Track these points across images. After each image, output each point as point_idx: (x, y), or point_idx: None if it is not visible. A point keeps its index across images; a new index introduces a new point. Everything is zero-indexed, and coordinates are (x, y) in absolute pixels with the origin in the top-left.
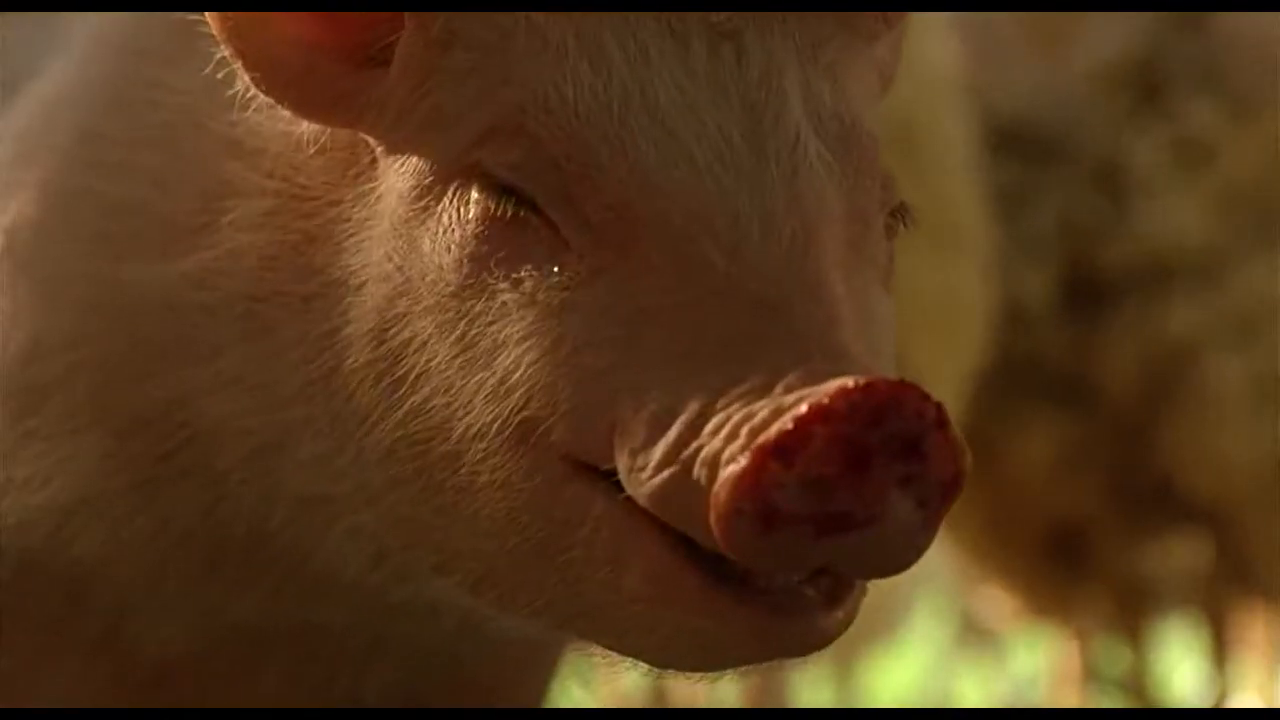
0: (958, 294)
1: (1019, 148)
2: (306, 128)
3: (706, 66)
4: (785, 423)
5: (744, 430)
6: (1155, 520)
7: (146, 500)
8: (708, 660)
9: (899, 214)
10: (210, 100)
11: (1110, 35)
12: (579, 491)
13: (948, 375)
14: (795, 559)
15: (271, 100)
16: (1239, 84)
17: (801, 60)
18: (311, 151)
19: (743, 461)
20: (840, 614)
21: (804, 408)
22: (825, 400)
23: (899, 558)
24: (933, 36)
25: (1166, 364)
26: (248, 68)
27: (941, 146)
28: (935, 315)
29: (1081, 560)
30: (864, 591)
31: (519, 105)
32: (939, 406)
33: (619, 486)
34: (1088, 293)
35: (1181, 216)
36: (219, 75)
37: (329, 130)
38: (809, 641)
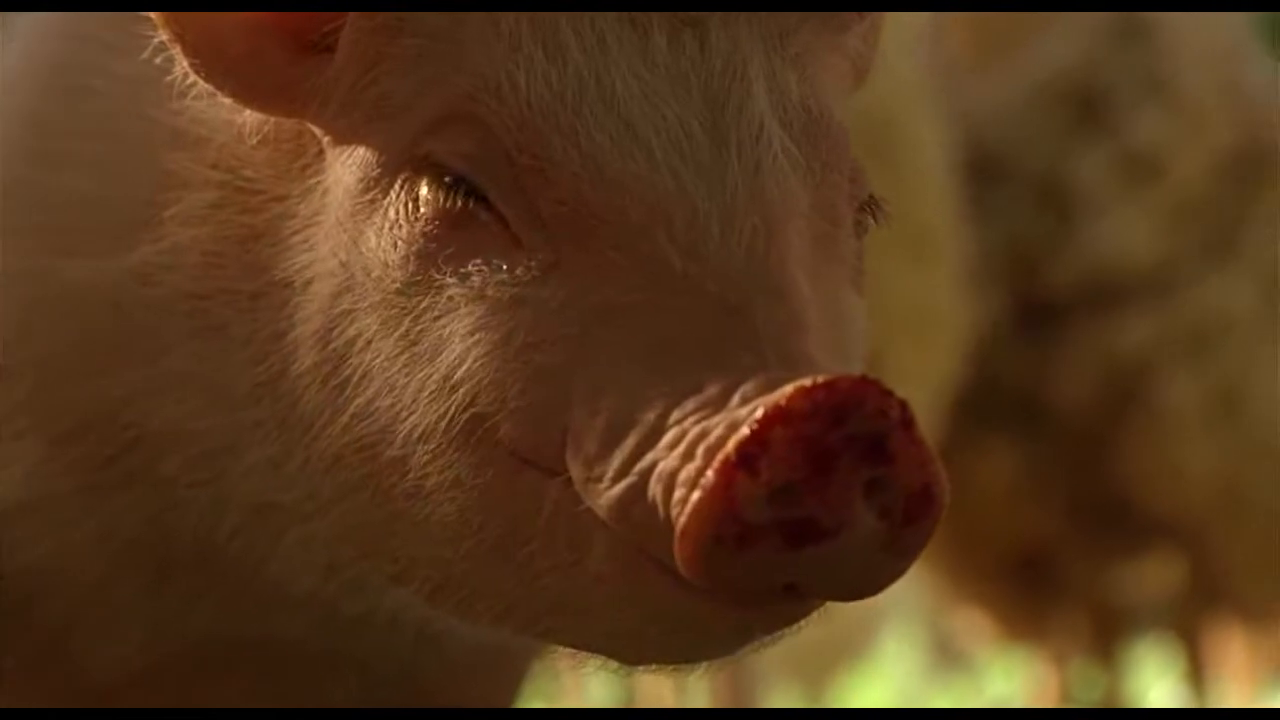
0: (933, 299)
1: (965, 168)
2: (250, 117)
3: (667, 56)
4: (744, 431)
5: (700, 449)
6: (1121, 539)
7: (91, 507)
8: (682, 643)
9: (869, 207)
10: (153, 87)
11: (1053, 49)
12: (532, 480)
13: (923, 382)
14: (762, 579)
15: (211, 87)
16: (1184, 92)
17: (768, 50)
18: (255, 142)
19: (707, 484)
20: (802, 605)
21: (761, 412)
22: (783, 402)
23: (867, 577)
24: (906, 41)
25: (1120, 382)
26: (187, 53)
27: (916, 150)
28: (910, 321)
29: (1051, 583)
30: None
31: (470, 93)
32: (904, 405)
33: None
34: (1038, 313)
35: (1129, 233)
36: (160, 61)
37: (273, 120)
38: (787, 614)
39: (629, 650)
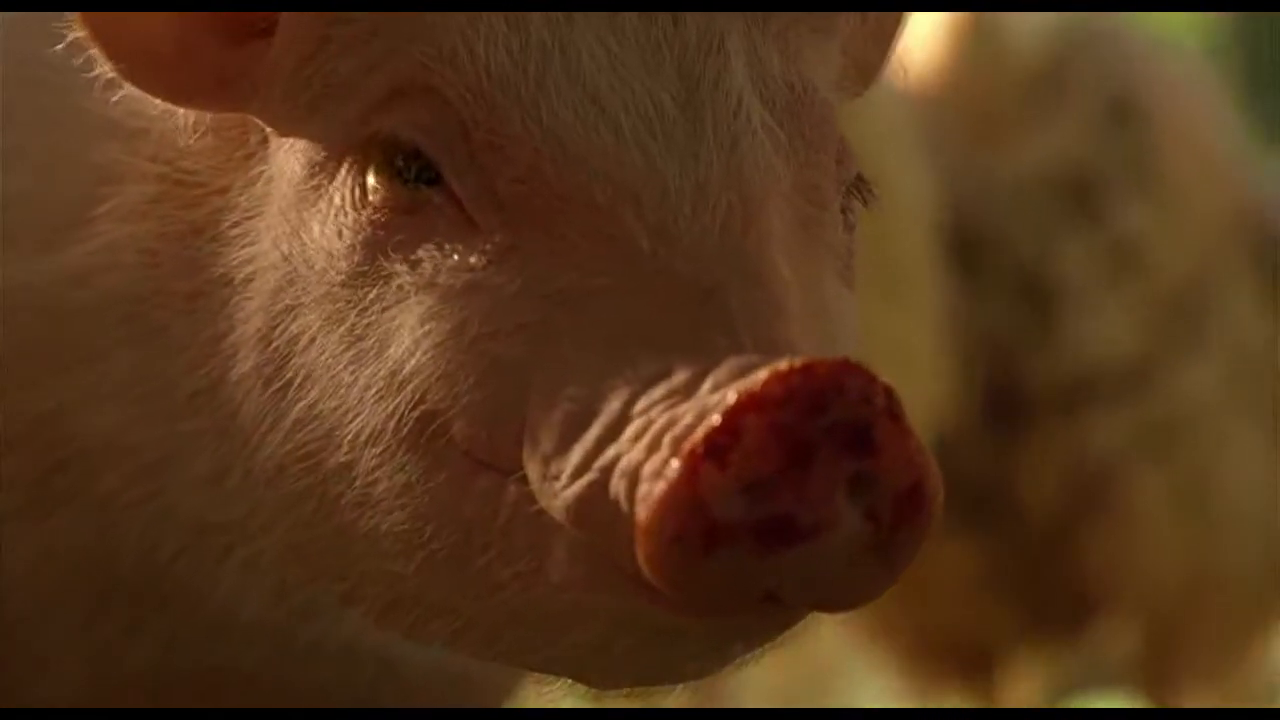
0: (911, 344)
1: (948, 253)
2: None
3: (638, 27)
4: (713, 419)
5: (666, 439)
6: (1079, 630)
7: (24, 531)
8: (653, 660)
9: (857, 189)
10: (89, 77)
11: (1043, 136)
12: (488, 483)
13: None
14: (736, 586)
15: (141, 91)
16: (1171, 182)
17: (748, 25)
18: (195, 137)
19: (670, 475)
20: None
21: (733, 398)
22: (757, 387)
23: (853, 584)
24: (889, 88)
25: (1088, 481)
26: (110, 57)
27: (897, 190)
28: (887, 367)
29: (1003, 666)
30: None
31: (424, 62)
32: (889, 392)
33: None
34: (1008, 407)
35: (1111, 329)
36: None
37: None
38: (767, 626)
39: (596, 669)
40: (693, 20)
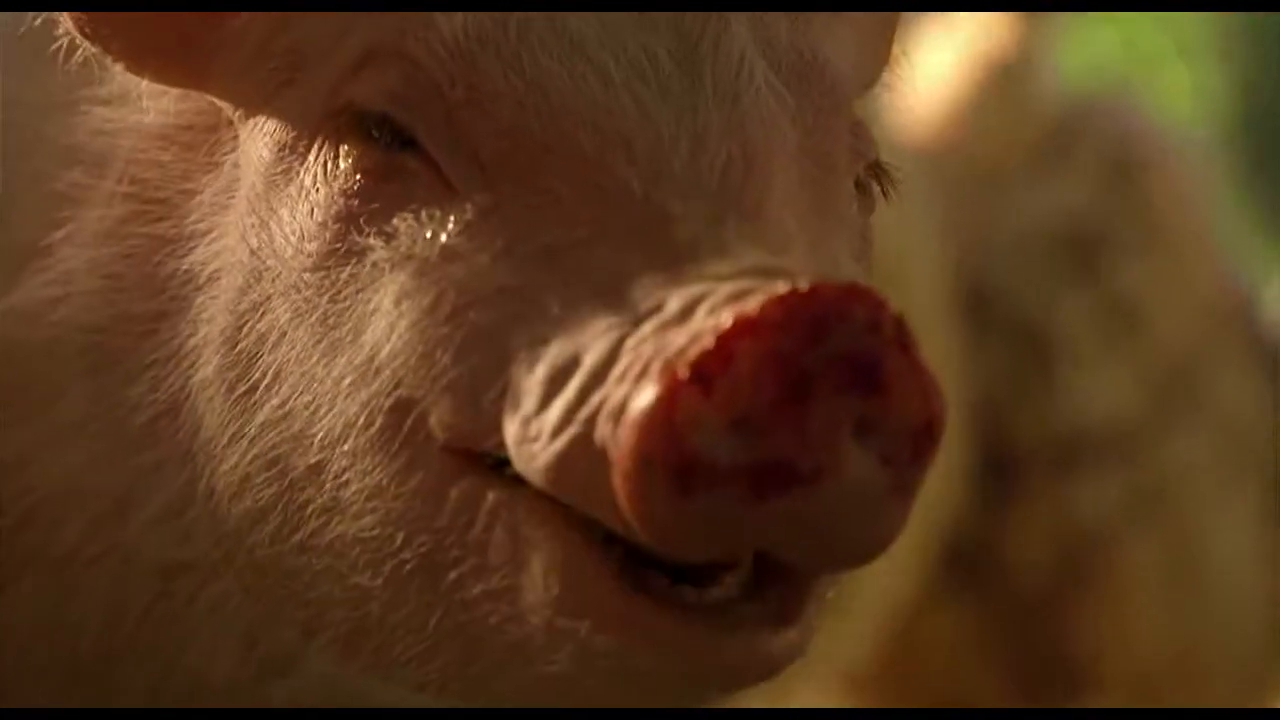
0: None
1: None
2: (155, 115)
3: None
4: (703, 342)
5: (654, 366)
6: (1063, 696)
7: None
8: (625, 695)
9: (878, 175)
10: (48, 103)
11: (1045, 192)
12: (467, 489)
13: None
14: (724, 535)
15: (98, 49)
16: (1170, 242)
17: None
18: (162, 144)
19: (649, 394)
20: (792, 634)
21: (727, 319)
22: (754, 311)
23: (863, 535)
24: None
25: (1078, 546)
26: (69, 12)
27: (909, 246)
28: None
29: None
30: (822, 605)
31: (397, 25)
32: (900, 320)
33: (517, 478)
34: (999, 468)
35: (1107, 388)
36: (54, 74)
37: (184, 113)
38: (750, 666)
39: (558, 704)
40: None
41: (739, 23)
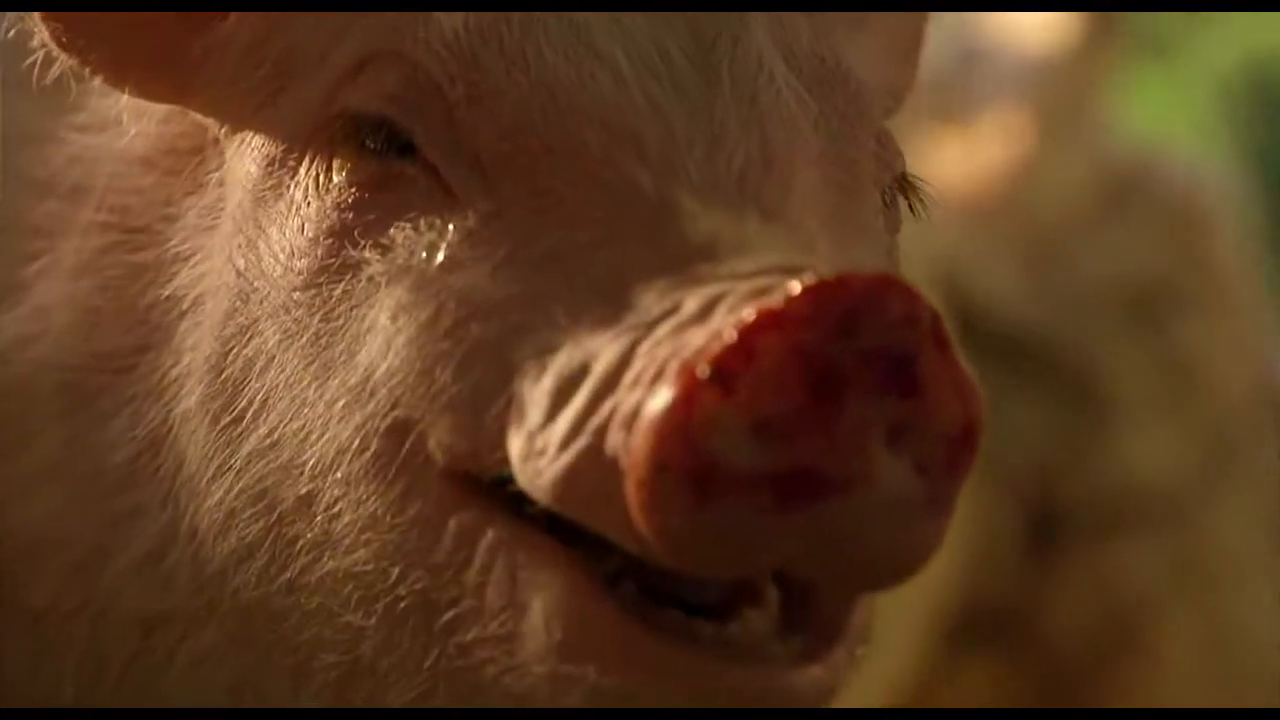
0: None
1: (1002, 356)
2: (137, 140)
3: None
4: (725, 335)
5: (671, 366)
6: None
7: None
8: None
9: (905, 187)
10: (20, 134)
11: (1109, 251)
12: (466, 522)
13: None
14: (745, 549)
15: (76, 61)
16: (1229, 299)
17: None
18: (143, 169)
19: (664, 395)
20: (818, 672)
21: (750, 313)
22: (779, 303)
23: (895, 551)
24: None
25: (1120, 612)
26: (48, 16)
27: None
28: None
29: None
30: (856, 642)
31: (394, 24)
32: (936, 317)
33: (518, 503)
34: (1042, 529)
35: (1160, 449)
36: (26, 103)
37: (166, 135)
38: (773, 707)
39: None
40: None
41: (758, 25)
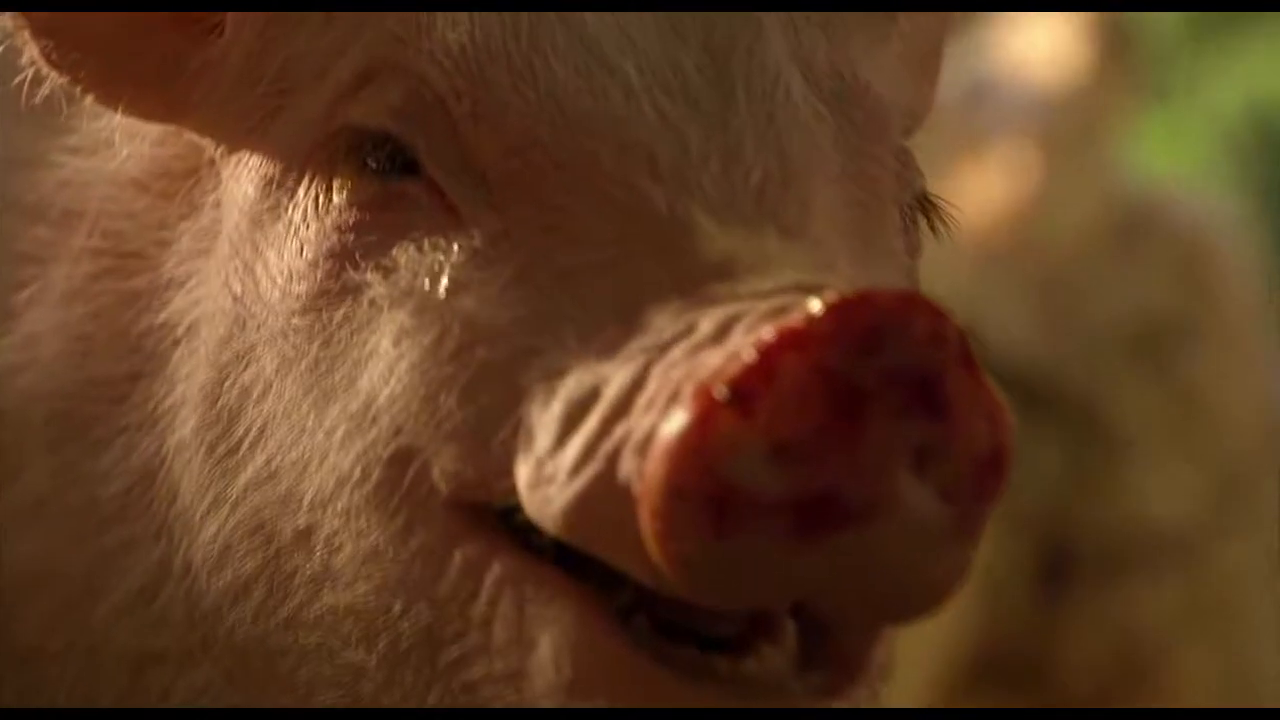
0: None
1: (1011, 395)
2: (131, 162)
3: None
4: (744, 355)
5: (686, 387)
6: None
7: None
8: None
9: (926, 207)
10: (10, 159)
11: (1116, 286)
12: (472, 555)
13: None
14: (764, 579)
15: (67, 78)
16: (1237, 338)
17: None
18: (136, 193)
19: (680, 418)
20: (838, 708)
21: (769, 332)
22: (800, 322)
23: (919, 582)
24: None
25: (1132, 652)
26: (36, 35)
27: None
28: None
29: None
30: (877, 679)
31: (397, 35)
32: (963, 336)
33: (526, 534)
34: (1057, 566)
35: (1171, 489)
36: (16, 128)
37: (161, 156)
38: None
39: None
40: None
41: (774, 39)
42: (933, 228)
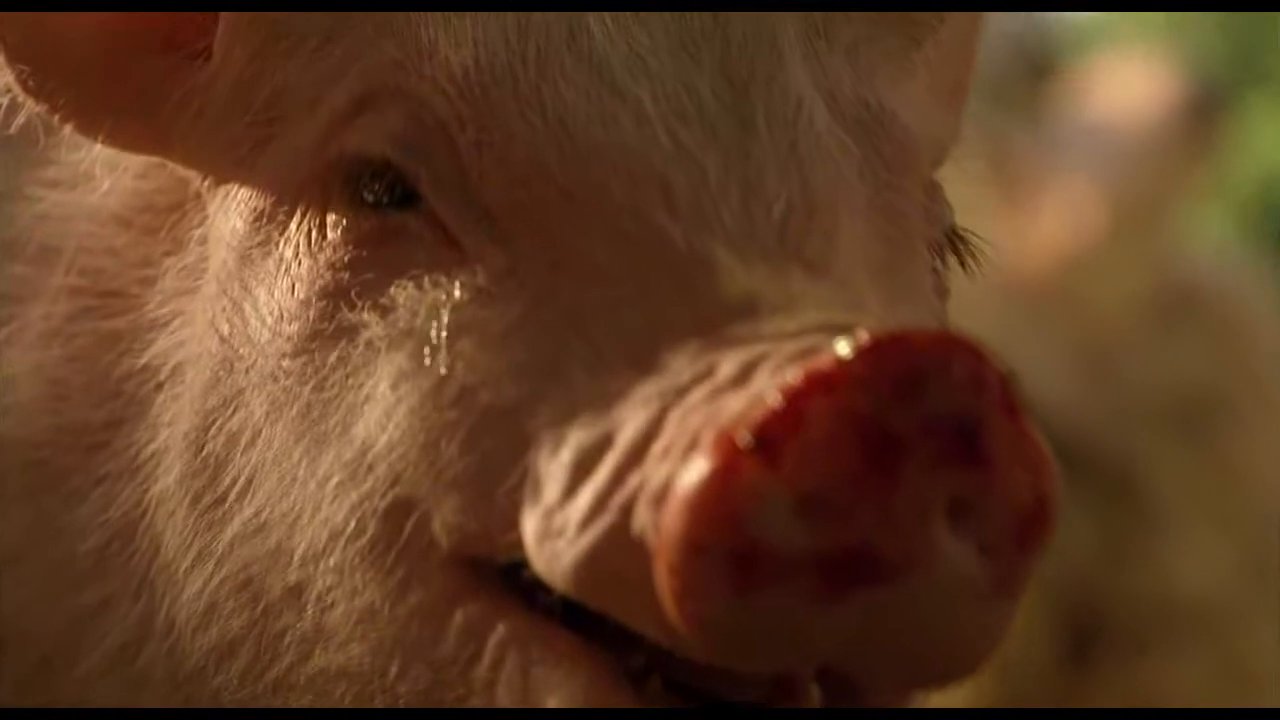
0: None
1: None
2: (113, 196)
3: (669, 16)
4: (768, 399)
5: (706, 434)
6: None
7: None
8: None
9: (956, 243)
10: None
11: (1159, 354)
12: (474, 615)
13: None
14: (790, 640)
15: (44, 105)
16: (1275, 417)
17: (809, 34)
18: (118, 229)
19: (700, 467)
20: None
21: (797, 376)
22: (829, 364)
23: (956, 644)
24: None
25: None
26: (13, 59)
27: None
28: None
29: None
30: None
31: (397, 59)
32: (1006, 379)
33: (532, 592)
34: (1083, 633)
35: (1204, 561)
36: None
37: (142, 189)
38: None
39: None
40: (737, 18)
41: (794, 66)
42: (963, 264)
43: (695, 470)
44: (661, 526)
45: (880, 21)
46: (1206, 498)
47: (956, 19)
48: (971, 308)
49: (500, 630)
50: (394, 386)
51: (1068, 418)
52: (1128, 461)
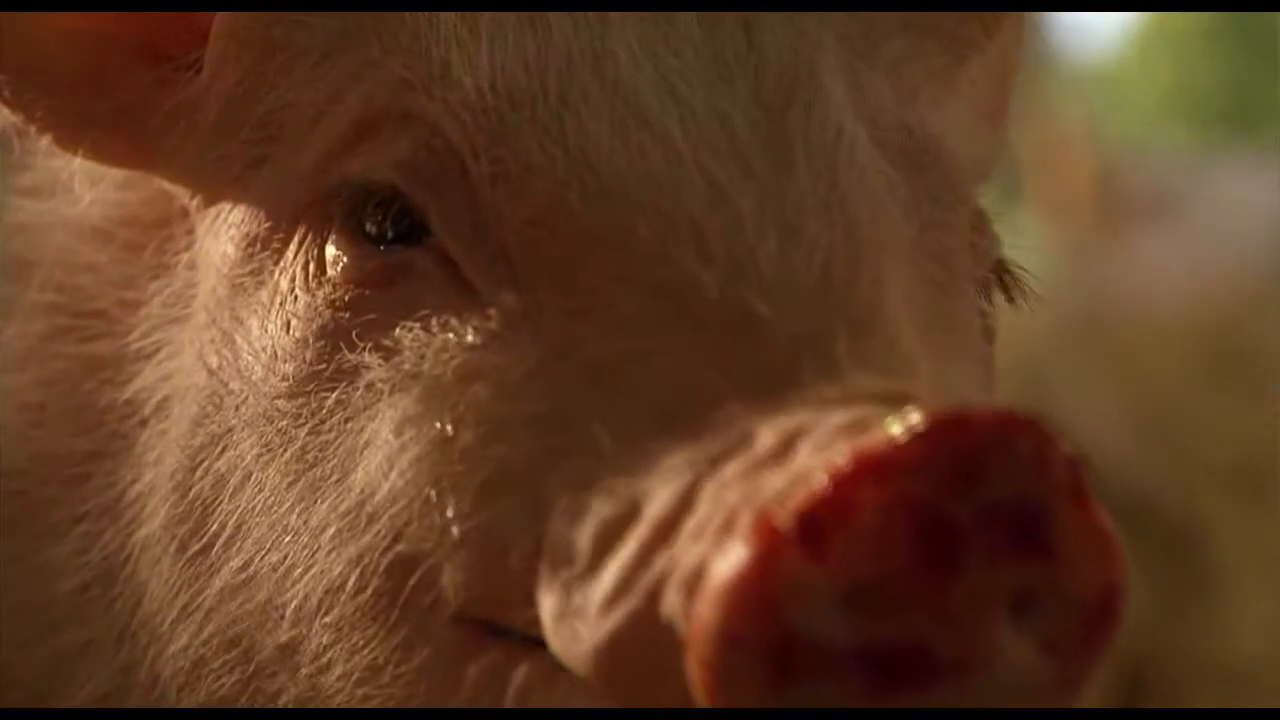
0: None
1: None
2: (93, 208)
3: (699, 38)
4: (814, 482)
5: (744, 515)
6: None
7: None
8: None
9: (1003, 278)
10: None
11: (1224, 419)
12: (490, 665)
13: None
14: None
15: (21, 117)
16: None
17: (849, 52)
18: (98, 243)
19: (738, 554)
20: None
21: (845, 459)
22: (882, 447)
23: None
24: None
25: None
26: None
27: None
28: None
29: None
30: None
31: (406, 79)
32: (1074, 463)
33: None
34: (1134, 689)
35: (1263, 625)
36: None
37: (125, 200)
38: None
39: None
40: (771, 41)
41: (834, 90)
42: (1010, 299)
43: (732, 557)
44: (694, 616)
45: (924, 39)
46: (1265, 559)
47: (1002, 37)
48: (1021, 345)
49: (523, 673)
50: (398, 432)
51: (1130, 473)
52: (1188, 520)
